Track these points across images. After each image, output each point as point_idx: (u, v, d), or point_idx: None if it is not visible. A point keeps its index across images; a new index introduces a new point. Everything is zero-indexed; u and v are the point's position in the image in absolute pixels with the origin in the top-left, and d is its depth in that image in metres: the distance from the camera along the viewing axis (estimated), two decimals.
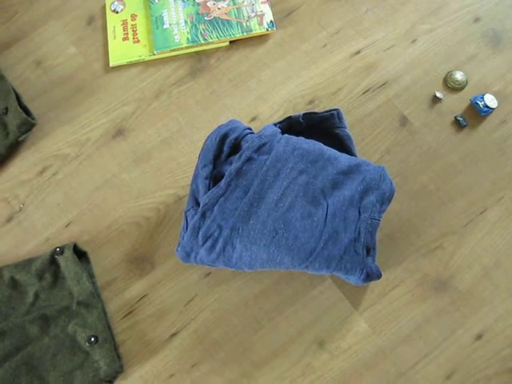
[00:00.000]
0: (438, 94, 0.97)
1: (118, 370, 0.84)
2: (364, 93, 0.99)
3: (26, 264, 0.90)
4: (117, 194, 0.96)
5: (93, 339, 0.85)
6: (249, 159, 0.82)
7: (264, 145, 0.83)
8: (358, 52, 1.03)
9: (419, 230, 0.90)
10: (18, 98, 1.01)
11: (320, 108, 0.99)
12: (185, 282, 0.90)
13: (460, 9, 1.05)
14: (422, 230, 0.90)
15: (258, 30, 1.04)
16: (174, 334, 0.87)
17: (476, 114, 0.97)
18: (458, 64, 1.00)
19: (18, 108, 0.98)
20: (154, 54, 1.04)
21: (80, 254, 0.92)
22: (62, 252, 0.90)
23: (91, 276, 0.90)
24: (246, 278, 0.89)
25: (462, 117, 0.96)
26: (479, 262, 0.88)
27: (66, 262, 0.89)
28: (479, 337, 0.84)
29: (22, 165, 0.99)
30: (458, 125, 0.96)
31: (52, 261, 0.90)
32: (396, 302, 0.87)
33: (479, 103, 0.95)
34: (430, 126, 0.96)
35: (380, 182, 0.81)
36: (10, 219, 0.96)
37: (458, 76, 0.98)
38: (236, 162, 0.82)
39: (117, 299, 0.90)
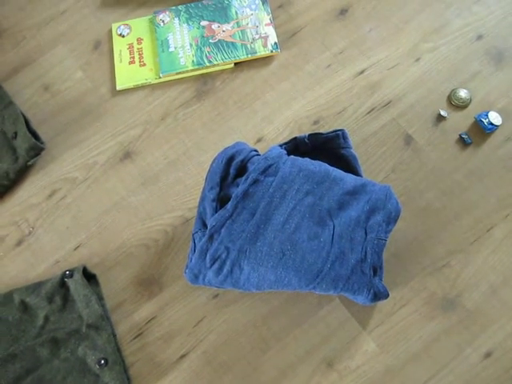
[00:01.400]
0: (443, 113, 0.98)
1: None
2: (368, 112, 1.00)
3: (35, 287, 0.91)
4: (125, 216, 0.97)
5: (103, 362, 0.86)
6: (255, 181, 0.83)
7: (270, 166, 0.84)
8: (362, 72, 1.03)
9: (426, 248, 0.90)
10: (26, 122, 1.02)
11: (325, 128, 0.99)
12: (193, 303, 0.90)
13: (463, 27, 1.05)
14: (429, 249, 0.90)
15: (262, 52, 1.05)
16: (183, 356, 0.88)
17: (481, 131, 0.97)
18: (461, 82, 1.01)
19: (27, 133, 0.99)
20: (160, 77, 1.05)
21: (89, 277, 0.92)
22: (71, 275, 0.90)
23: (100, 298, 0.91)
24: (253, 299, 0.90)
25: (466, 134, 0.96)
26: (487, 280, 0.88)
27: (76, 285, 0.90)
28: (488, 355, 0.84)
29: (31, 189, 1.00)
30: (463, 142, 0.97)
31: (62, 284, 0.91)
32: (404, 321, 0.87)
33: (483, 121, 0.96)
34: (435, 144, 0.97)
35: (386, 201, 0.82)
36: (19, 243, 0.97)
37: (462, 94, 0.99)
38: (242, 184, 0.83)
39: (126, 321, 0.90)
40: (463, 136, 0.96)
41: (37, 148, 1.00)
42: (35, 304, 0.90)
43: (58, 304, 0.90)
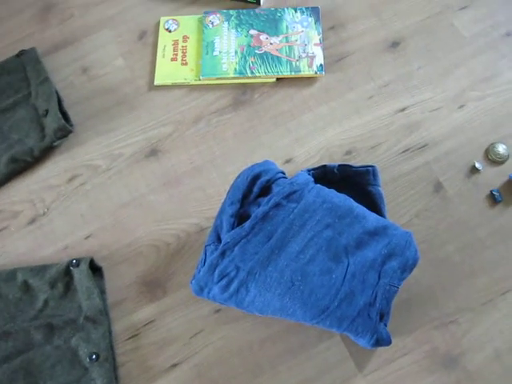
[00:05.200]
0: (478, 165, 0.96)
1: None
2: (403, 152, 0.98)
3: (40, 270, 0.91)
4: (141, 214, 0.96)
5: (94, 356, 0.85)
6: (277, 205, 0.81)
7: (295, 192, 0.82)
8: (404, 109, 1.01)
9: (437, 300, 0.88)
10: (59, 101, 1.02)
11: (357, 160, 0.98)
12: (194, 314, 0.89)
13: None
14: (440, 302, 0.88)
15: (306, 72, 1.03)
16: (174, 365, 0.87)
17: None
18: (502, 137, 0.99)
19: (58, 113, 0.99)
20: (200, 80, 1.04)
21: (95, 269, 0.92)
22: (77, 264, 0.90)
23: (102, 292, 0.90)
24: (255, 321, 0.88)
25: (498, 191, 0.94)
26: (492, 344, 0.86)
27: (80, 276, 0.89)
28: None
29: (53, 169, 1.00)
30: (493, 199, 0.94)
31: (67, 271, 0.90)
32: (402, 371, 0.85)
33: None
34: (465, 196, 0.95)
35: (405, 248, 0.80)
36: (32, 221, 0.96)
37: (501, 149, 0.97)
38: (264, 205, 0.81)
39: (124, 320, 0.90)
40: (494, 193, 0.94)
41: (65, 130, 0.99)
42: (37, 287, 0.90)
43: (60, 291, 0.89)
